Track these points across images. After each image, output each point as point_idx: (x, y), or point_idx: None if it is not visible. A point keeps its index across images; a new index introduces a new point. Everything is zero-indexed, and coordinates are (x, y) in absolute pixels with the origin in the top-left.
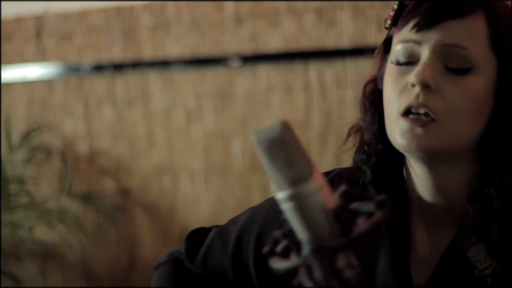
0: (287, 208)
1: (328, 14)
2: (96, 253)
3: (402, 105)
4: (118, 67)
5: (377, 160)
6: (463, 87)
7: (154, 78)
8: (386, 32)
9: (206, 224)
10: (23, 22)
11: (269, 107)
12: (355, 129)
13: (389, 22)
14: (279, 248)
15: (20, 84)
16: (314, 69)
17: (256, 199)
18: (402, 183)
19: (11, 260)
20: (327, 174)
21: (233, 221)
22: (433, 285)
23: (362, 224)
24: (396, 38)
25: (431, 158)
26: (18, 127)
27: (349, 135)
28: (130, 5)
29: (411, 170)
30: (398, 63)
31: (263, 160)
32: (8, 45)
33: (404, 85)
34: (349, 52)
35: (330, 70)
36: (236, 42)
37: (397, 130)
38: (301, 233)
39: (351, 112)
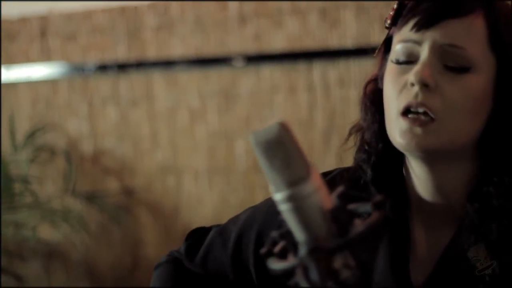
0: (284, 209)
1: (332, 14)
2: (100, 252)
3: (402, 104)
4: (123, 67)
5: (377, 159)
6: (462, 86)
7: (158, 78)
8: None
9: (209, 223)
10: (27, 22)
11: (272, 107)
12: (356, 129)
13: (389, 21)
14: (277, 248)
15: (24, 84)
16: (317, 69)
17: (260, 199)
18: (402, 182)
19: (15, 260)
20: (328, 173)
21: (233, 220)
22: (432, 285)
23: (359, 225)
24: (396, 38)
25: (430, 158)
26: (22, 127)
27: (350, 134)
28: (135, 5)
29: (410, 169)
30: (398, 62)
31: (261, 161)
32: (13, 45)
33: (404, 84)
34: (352, 52)
35: (333, 70)
36: (240, 42)
37: (396, 130)
38: (299, 234)
39: (354, 112)
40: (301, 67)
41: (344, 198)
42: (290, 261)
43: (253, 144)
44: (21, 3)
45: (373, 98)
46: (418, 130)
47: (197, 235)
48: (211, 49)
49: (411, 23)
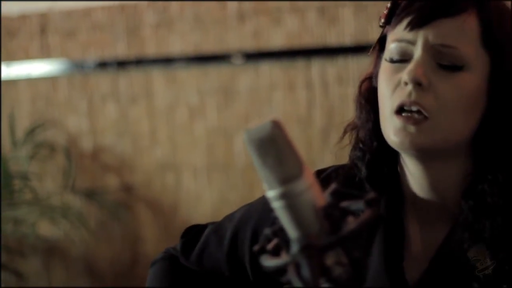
0: (277, 206)
1: (330, 11)
2: (100, 249)
3: (395, 102)
4: (122, 64)
5: (372, 157)
6: (455, 84)
7: (157, 75)
8: None
9: (209, 220)
10: (27, 19)
11: (271, 104)
12: (351, 127)
13: (383, 20)
14: (270, 246)
15: (24, 81)
16: (316, 66)
17: (259, 196)
18: (397, 180)
19: (15, 256)
20: (323, 171)
21: (228, 217)
22: (426, 282)
23: (351, 222)
24: (390, 37)
25: (424, 156)
26: (22, 124)
27: (345, 132)
28: (134, 3)
29: (405, 167)
30: (392, 61)
31: (254, 159)
32: (13, 42)
33: (398, 83)
34: (351, 49)
35: (332, 68)
36: (239, 39)
37: (390, 128)
38: (291, 231)
39: (353, 109)
40: (299, 65)
41: (337, 196)
42: (283, 258)
43: (246, 141)
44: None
45: (368, 97)
46: (411, 128)
47: (193, 232)
48: (210, 46)
49: (404, 22)
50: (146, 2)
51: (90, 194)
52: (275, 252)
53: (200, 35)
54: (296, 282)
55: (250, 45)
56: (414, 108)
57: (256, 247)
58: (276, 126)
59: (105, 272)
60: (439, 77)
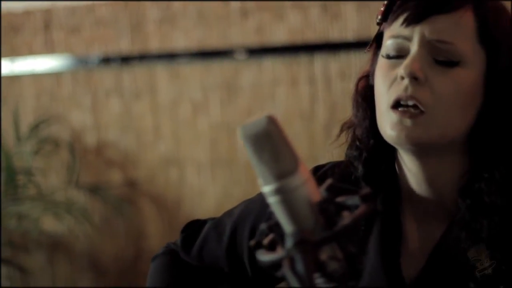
0: (273, 201)
1: (333, 7)
2: (103, 244)
3: (392, 97)
4: (126, 59)
5: (368, 155)
6: (451, 79)
7: (161, 71)
8: None
9: (212, 215)
10: (32, 15)
11: (274, 99)
12: (348, 125)
13: (379, 17)
14: (266, 241)
15: (28, 76)
16: (319, 61)
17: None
18: (394, 177)
19: (19, 252)
20: (321, 167)
21: (228, 213)
22: (423, 279)
23: (346, 217)
24: (386, 33)
25: (421, 151)
26: (26, 119)
27: (341, 131)
28: None
29: (402, 164)
30: (389, 57)
31: (249, 154)
32: (17, 37)
33: (394, 78)
34: (353, 45)
35: (334, 63)
36: (242, 35)
37: (387, 122)
38: (287, 226)
39: None
40: (302, 60)
41: (333, 191)
42: (278, 253)
43: (241, 137)
44: None
45: (365, 94)
46: (407, 121)
47: (193, 228)
48: (213, 42)
49: (401, 19)
50: None
51: (94, 190)
52: (271, 247)
53: (203, 31)
54: (290, 276)
55: (253, 41)
56: (410, 103)
57: (252, 242)
58: (271, 121)
59: (109, 267)
60: (435, 72)
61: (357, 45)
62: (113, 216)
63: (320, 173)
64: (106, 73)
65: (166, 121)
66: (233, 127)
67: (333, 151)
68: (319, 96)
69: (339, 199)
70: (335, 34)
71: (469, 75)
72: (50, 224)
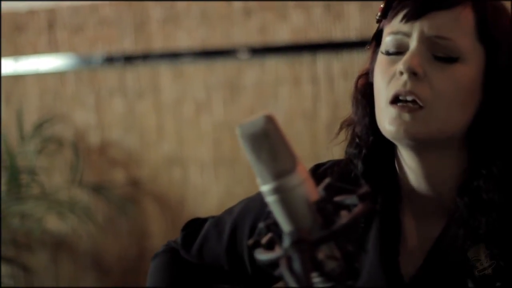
0: (271, 200)
1: (336, 6)
2: (107, 243)
3: (391, 92)
4: (129, 59)
5: (368, 152)
6: (450, 75)
7: (164, 70)
8: None
9: (214, 215)
10: (36, 15)
11: (277, 98)
12: (347, 123)
13: (379, 14)
14: (264, 240)
15: (32, 76)
16: (321, 61)
17: None
18: (394, 175)
19: (22, 251)
20: (321, 165)
21: (228, 211)
22: (422, 277)
23: (344, 217)
24: (386, 30)
25: (420, 146)
26: (30, 118)
27: (341, 128)
28: None
29: (402, 160)
30: (388, 53)
31: (247, 154)
32: (21, 37)
33: (393, 74)
34: (356, 44)
35: (337, 62)
36: (245, 35)
37: (386, 118)
38: (285, 225)
39: None
40: (305, 60)
41: (331, 190)
42: (276, 252)
43: (239, 136)
44: None
45: (364, 92)
46: (406, 116)
47: (194, 226)
48: (216, 41)
49: (400, 15)
50: None
51: (98, 189)
52: (269, 246)
53: (206, 31)
54: (287, 276)
55: (256, 40)
56: (409, 98)
57: (250, 241)
58: (269, 121)
59: (112, 267)
60: (434, 68)
61: (360, 44)
62: (117, 215)
63: (320, 171)
64: (109, 73)
65: (169, 120)
66: (236, 127)
67: (335, 150)
68: (321, 95)
69: (337, 198)
70: (338, 33)
71: (468, 71)
72: (53, 223)
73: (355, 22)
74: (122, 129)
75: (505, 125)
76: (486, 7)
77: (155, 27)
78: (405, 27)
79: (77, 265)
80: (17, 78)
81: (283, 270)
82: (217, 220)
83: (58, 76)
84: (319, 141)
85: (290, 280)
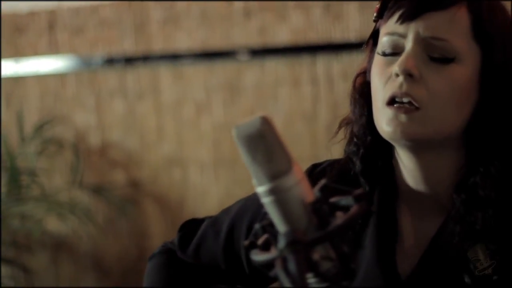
0: (267, 201)
1: (335, 8)
2: (107, 244)
3: (387, 94)
4: (129, 60)
5: (366, 151)
6: (446, 76)
7: (164, 71)
8: None
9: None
10: (36, 16)
11: (277, 99)
12: (346, 122)
13: (375, 14)
14: (260, 240)
15: (33, 77)
16: (321, 62)
17: None
18: (391, 174)
19: (23, 252)
20: (318, 165)
21: (225, 211)
22: (418, 275)
23: (339, 218)
24: (382, 30)
25: (416, 147)
26: (31, 120)
27: (340, 127)
28: None
29: (399, 160)
30: (384, 54)
31: (243, 155)
32: (22, 38)
33: (389, 75)
34: (356, 45)
35: (337, 63)
36: (244, 36)
37: (383, 119)
38: (280, 226)
39: None
40: (305, 61)
41: (327, 191)
42: (272, 253)
43: (235, 137)
44: None
45: (362, 91)
46: (403, 117)
47: (191, 226)
48: (216, 42)
49: (396, 16)
50: None
51: (98, 190)
52: (265, 247)
53: (206, 32)
54: (282, 276)
55: (256, 41)
56: (405, 100)
57: (245, 242)
58: (265, 122)
59: (112, 268)
60: (430, 69)
61: (359, 45)
62: (117, 216)
63: (318, 170)
64: (110, 74)
65: (169, 121)
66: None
67: (335, 151)
68: (321, 96)
69: (333, 199)
70: (338, 34)
71: (464, 72)
72: (53, 224)
73: (355, 23)
74: (122, 130)
75: (502, 123)
76: (481, 6)
77: (155, 28)
78: (400, 28)
79: (77, 266)
80: (18, 80)
81: (278, 270)
82: (214, 220)
83: (58, 77)
84: (319, 142)
85: (285, 281)
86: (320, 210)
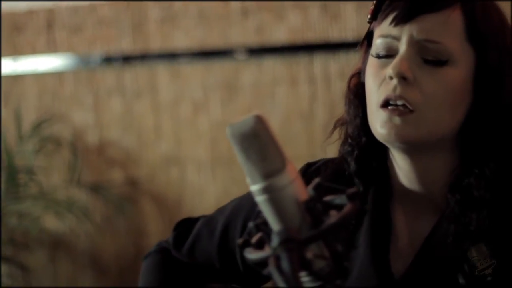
0: (260, 200)
1: (333, 7)
2: (105, 242)
3: (381, 97)
4: (127, 59)
5: (360, 152)
6: (440, 78)
7: (162, 70)
8: None
9: None
10: (34, 14)
11: (274, 98)
12: (341, 122)
13: (369, 16)
14: (254, 239)
15: (31, 76)
16: (318, 61)
17: None
18: (386, 174)
19: (20, 250)
20: (312, 164)
21: (220, 210)
22: (412, 274)
23: (333, 216)
24: (376, 32)
25: (411, 149)
26: (29, 118)
27: (335, 127)
28: None
29: (394, 161)
30: (378, 56)
31: (237, 153)
32: (20, 37)
33: (384, 77)
34: (353, 45)
35: (334, 63)
36: (242, 35)
37: (377, 121)
38: (274, 225)
39: None
40: (302, 60)
41: (320, 190)
42: (265, 252)
43: (229, 136)
44: None
45: (356, 92)
46: (397, 119)
47: (185, 225)
48: (214, 41)
49: (389, 18)
50: None
51: (96, 188)
52: (259, 245)
53: (204, 31)
54: (275, 275)
55: (253, 40)
56: (399, 102)
57: (239, 240)
58: (259, 121)
59: (110, 266)
60: (424, 72)
61: (356, 45)
62: (114, 215)
63: (312, 169)
64: (107, 73)
65: (167, 120)
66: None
67: (331, 150)
68: (318, 96)
69: (327, 198)
70: (335, 34)
71: (458, 74)
72: (51, 222)
73: (352, 23)
74: (120, 129)
75: (496, 124)
76: (475, 8)
77: (153, 27)
78: (394, 31)
79: (75, 264)
80: (16, 78)
81: (271, 269)
82: (209, 219)
83: (56, 76)
84: (316, 141)
85: (278, 279)
86: (314, 208)
